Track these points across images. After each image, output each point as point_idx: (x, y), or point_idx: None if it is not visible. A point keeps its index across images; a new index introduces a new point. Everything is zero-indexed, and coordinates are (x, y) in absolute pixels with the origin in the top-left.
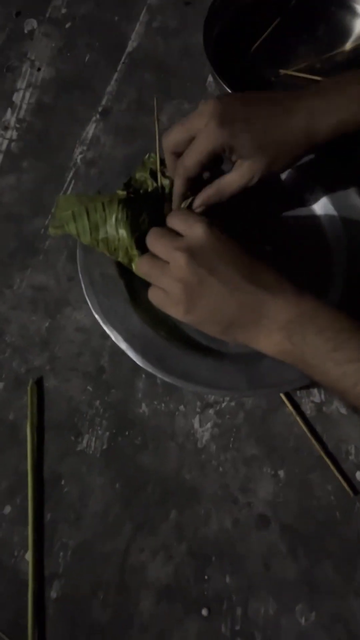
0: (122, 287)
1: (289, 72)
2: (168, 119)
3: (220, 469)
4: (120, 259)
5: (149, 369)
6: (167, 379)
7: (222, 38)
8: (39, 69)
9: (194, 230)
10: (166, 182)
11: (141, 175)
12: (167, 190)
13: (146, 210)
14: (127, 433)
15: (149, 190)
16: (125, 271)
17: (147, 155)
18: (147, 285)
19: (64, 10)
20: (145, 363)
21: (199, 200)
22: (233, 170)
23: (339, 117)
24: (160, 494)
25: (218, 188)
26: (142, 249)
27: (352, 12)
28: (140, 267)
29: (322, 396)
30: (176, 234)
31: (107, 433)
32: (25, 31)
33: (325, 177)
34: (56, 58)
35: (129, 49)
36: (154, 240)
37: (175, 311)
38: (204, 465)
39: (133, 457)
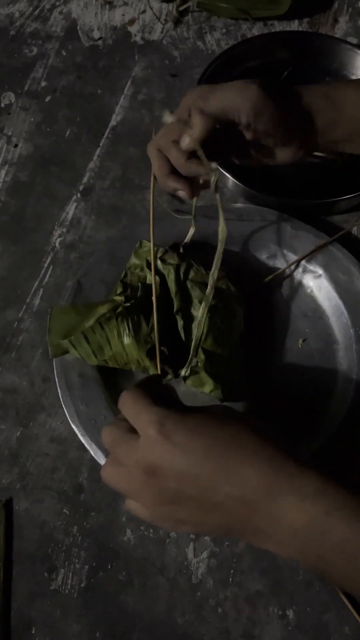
0: (102, 391)
1: None
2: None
3: (219, 609)
4: (134, 370)
5: None
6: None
7: None
8: (15, 145)
9: (146, 435)
10: (168, 269)
11: (136, 265)
12: (169, 278)
13: (151, 312)
14: (109, 566)
15: (147, 281)
16: (106, 370)
17: (139, 244)
18: (131, 385)
19: (43, 83)
20: None
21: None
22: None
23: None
24: None
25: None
26: (160, 359)
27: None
28: (106, 479)
29: None
30: (134, 431)
31: (86, 567)
32: (2, 105)
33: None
34: (34, 133)
35: (112, 122)
36: (112, 447)
37: (164, 526)
38: (200, 606)
39: (116, 598)
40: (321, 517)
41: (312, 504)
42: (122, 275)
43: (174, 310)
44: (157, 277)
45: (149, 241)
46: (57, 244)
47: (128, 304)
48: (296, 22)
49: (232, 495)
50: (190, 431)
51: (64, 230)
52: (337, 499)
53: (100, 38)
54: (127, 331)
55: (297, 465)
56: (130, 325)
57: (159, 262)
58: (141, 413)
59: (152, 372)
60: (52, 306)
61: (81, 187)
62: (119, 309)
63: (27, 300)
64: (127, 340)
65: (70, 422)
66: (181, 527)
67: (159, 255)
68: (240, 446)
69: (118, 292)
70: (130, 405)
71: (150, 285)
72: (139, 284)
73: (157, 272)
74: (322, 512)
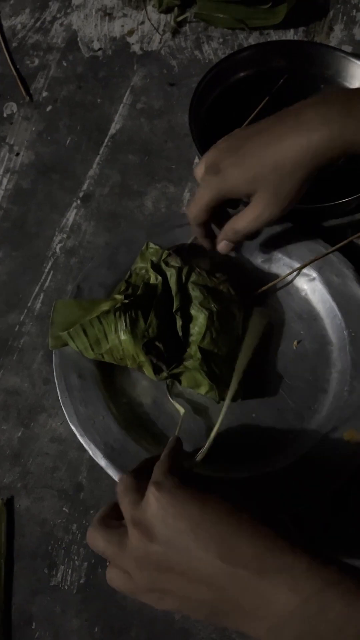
0: (101, 392)
1: None
2: (153, 203)
3: None
4: (129, 366)
5: None
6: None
7: (209, 118)
8: (17, 154)
9: (147, 494)
10: (170, 271)
11: (141, 267)
12: (171, 280)
13: (152, 310)
14: (107, 563)
15: (151, 282)
16: (105, 371)
17: (145, 246)
18: (129, 385)
19: (45, 93)
20: None
21: (220, 247)
22: (246, 208)
23: (343, 132)
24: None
25: (233, 228)
26: (155, 354)
27: (343, 89)
28: (94, 541)
29: None
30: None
31: (85, 564)
32: (4, 115)
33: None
34: (36, 142)
35: (112, 131)
36: (120, 497)
37: (142, 598)
38: None
39: (114, 594)
40: (315, 594)
41: (305, 581)
42: (127, 276)
43: (174, 309)
44: (159, 277)
45: (152, 243)
46: (57, 249)
47: (127, 301)
48: (292, 31)
49: (222, 569)
50: (186, 496)
51: (65, 235)
52: (330, 575)
53: (100, 49)
54: (124, 327)
55: (289, 543)
56: (127, 321)
57: (162, 263)
58: (153, 475)
59: (146, 368)
60: (56, 299)
61: (81, 194)
62: (118, 305)
63: (29, 304)
64: (123, 335)
65: (70, 424)
66: (164, 599)
67: (162, 258)
68: (235, 521)
69: (121, 290)
70: (155, 468)
71: (152, 285)
72: (142, 283)
73: (160, 272)
74: (316, 589)
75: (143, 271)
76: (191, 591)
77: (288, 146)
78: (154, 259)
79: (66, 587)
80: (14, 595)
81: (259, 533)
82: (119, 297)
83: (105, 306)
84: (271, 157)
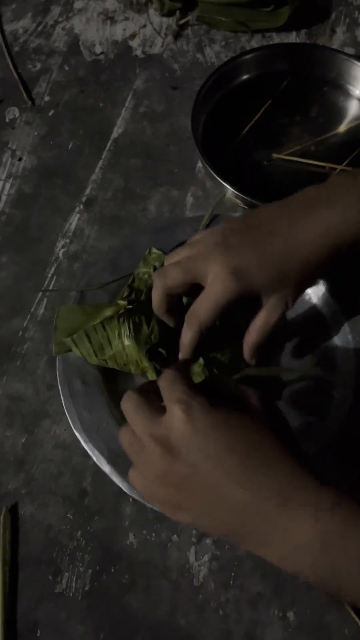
0: (104, 398)
1: (282, 156)
2: (156, 207)
3: (221, 611)
4: (133, 372)
5: (136, 496)
6: (157, 508)
7: (211, 121)
8: (20, 159)
9: (172, 412)
10: None
11: (144, 272)
12: None
13: (154, 317)
14: (112, 570)
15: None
16: (108, 376)
17: (148, 251)
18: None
19: (47, 98)
20: (131, 490)
21: (250, 355)
22: (264, 309)
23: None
24: None
25: (258, 332)
26: (159, 360)
27: (346, 93)
28: (122, 438)
29: None
30: (159, 407)
31: (90, 570)
32: (7, 120)
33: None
34: (38, 146)
35: (114, 135)
36: (131, 413)
37: (160, 507)
38: (202, 608)
39: (119, 600)
40: (340, 526)
41: (330, 514)
42: (130, 281)
43: None
44: None
45: (154, 248)
46: (60, 254)
47: (130, 306)
48: (294, 33)
49: (244, 499)
50: (216, 420)
51: (68, 240)
52: (355, 509)
53: (102, 52)
54: (128, 332)
55: (315, 480)
56: (131, 326)
57: None
58: (175, 391)
59: (150, 374)
60: (59, 305)
61: (84, 199)
62: (121, 311)
63: (32, 309)
64: (127, 341)
65: (74, 430)
66: (180, 513)
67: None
68: (263, 451)
69: (124, 295)
70: (168, 381)
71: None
72: (145, 288)
73: None
74: (340, 522)
75: (146, 276)
76: (209, 513)
77: (315, 245)
78: (156, 264)
79: (71, 594)
80: (18, 602)
81: (287, 467)
82: (122, 302)
83: (108, 312)
84: (299, 259)
